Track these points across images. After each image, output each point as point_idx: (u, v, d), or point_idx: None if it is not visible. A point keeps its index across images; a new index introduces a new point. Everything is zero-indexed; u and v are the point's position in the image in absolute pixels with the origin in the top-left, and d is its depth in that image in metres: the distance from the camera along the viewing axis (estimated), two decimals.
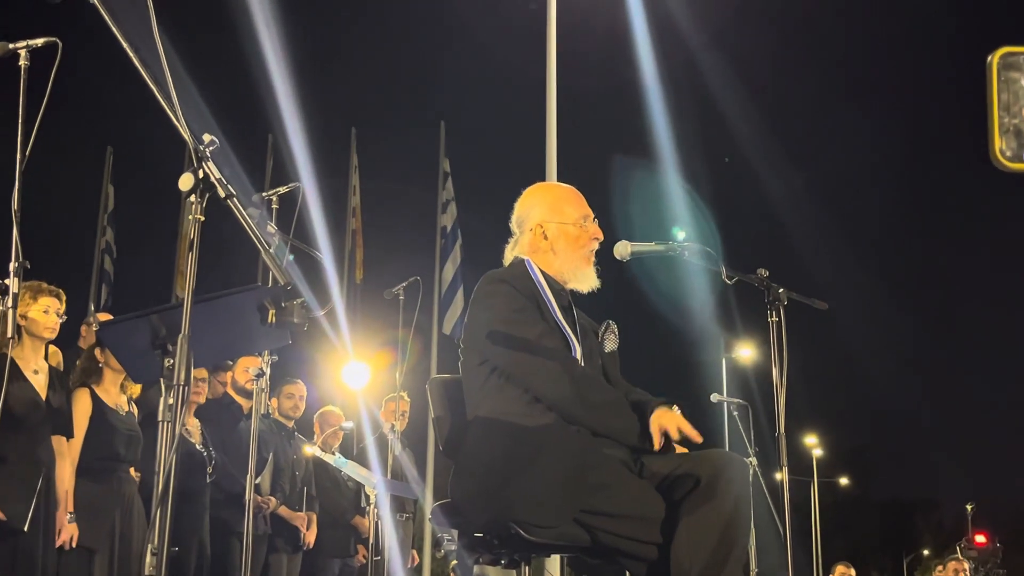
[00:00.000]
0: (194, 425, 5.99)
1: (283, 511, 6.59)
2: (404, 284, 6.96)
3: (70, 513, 4.80)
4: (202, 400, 6.09)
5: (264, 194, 5.38)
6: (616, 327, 3.37)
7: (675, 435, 3.03)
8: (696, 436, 3.04)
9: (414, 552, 8.44)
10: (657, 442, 3.03)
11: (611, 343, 3.37)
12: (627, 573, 3.05)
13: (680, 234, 3.19)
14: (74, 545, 4.80)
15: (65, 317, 4.95)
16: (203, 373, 6.03)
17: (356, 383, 8.66)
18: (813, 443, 33.64)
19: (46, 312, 4.79)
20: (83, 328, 6.15)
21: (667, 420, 3.05)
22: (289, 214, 5.34)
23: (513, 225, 3.45)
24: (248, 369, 6.17)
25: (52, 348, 5.30)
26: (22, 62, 3.48)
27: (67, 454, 4.89)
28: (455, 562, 7.02)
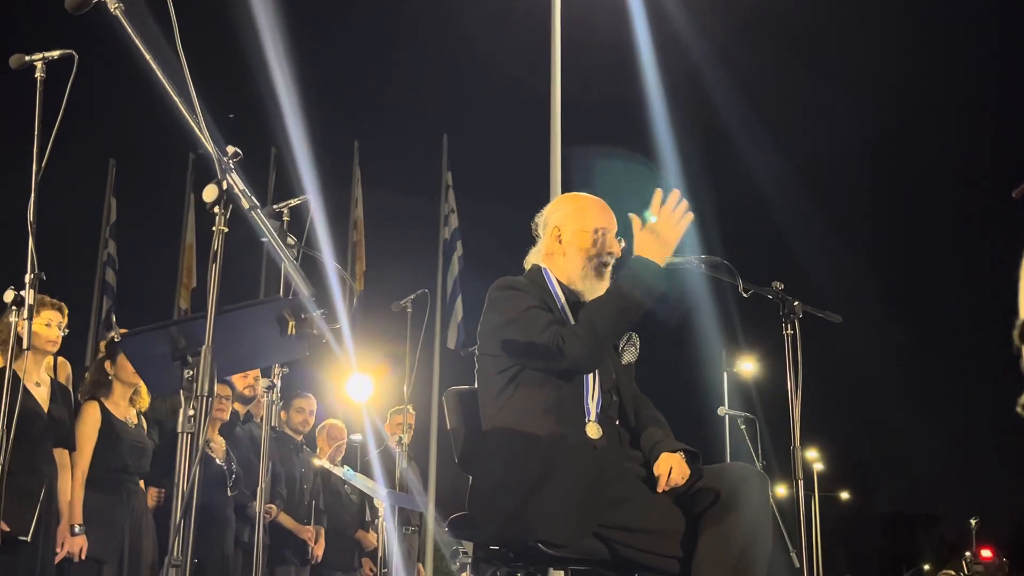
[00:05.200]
0: (218, 441, 5.95)
1: (290, 523, 6.56)
2: (412, 296, 6.81)
3: (79, 525, 4.78)
4: (226, 417, 6.03)
5: (275, 207, 5.35)
6: (638, 340, 3.31)
7: (668, 483, 3.02)
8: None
9: (420, 566, 8.41)
10: (662, 484, 3.02)
11: (629, 355, 3.31)
12: None
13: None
14: (83, 557, 4.78)
15: (67, 331, 4.94)
16: (226, 390, 5.99)
17: (360, 395, 8.62)
18: (814, 457, 33.58)
19: (48, 325, 4.79)
20: (103, 344, 6.14)
21: (664, 465, 3.04)
22: (297, 227, 5.32)
23: (538, 228, 3.43)
24: (246, 375, 6.16)
25: (61, 360, 5.29)
26: (38, 74, 3.48)
27: (70, 466, 4.88)
28: (466, 574, 6.98)
